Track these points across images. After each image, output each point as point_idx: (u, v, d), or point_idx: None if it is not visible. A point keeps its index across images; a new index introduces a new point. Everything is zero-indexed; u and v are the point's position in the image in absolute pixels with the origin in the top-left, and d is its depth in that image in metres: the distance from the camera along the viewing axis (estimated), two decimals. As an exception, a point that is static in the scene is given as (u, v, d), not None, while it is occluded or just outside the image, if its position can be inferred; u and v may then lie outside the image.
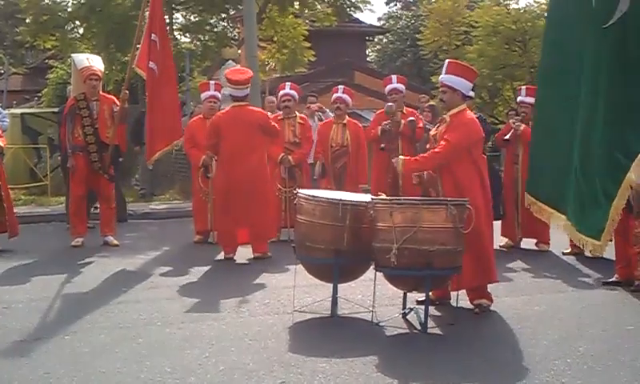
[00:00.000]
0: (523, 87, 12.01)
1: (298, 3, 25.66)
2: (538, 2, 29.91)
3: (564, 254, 10.87)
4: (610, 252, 8.83)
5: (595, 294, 8.54)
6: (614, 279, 8.87)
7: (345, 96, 12.26)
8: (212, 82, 12.45)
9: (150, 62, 10.57)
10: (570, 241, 10.81)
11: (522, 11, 29.77)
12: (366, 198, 7.34)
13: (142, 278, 9.25)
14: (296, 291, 7.58)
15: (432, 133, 7.88)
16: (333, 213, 7.04)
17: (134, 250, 11.24)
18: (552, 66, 8.31)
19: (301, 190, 7.74)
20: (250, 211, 9.97)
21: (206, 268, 9.90)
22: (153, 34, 10.59)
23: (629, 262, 8.68)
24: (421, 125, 11.58)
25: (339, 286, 7.33)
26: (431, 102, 14.89)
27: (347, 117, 12.35)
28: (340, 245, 7.02)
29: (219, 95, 12.05)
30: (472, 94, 9.23)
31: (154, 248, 11.43)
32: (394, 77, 12.17)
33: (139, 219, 14.81)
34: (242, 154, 9.92)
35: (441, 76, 7.77)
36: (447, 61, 7.90)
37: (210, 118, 11.26)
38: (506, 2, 30.12)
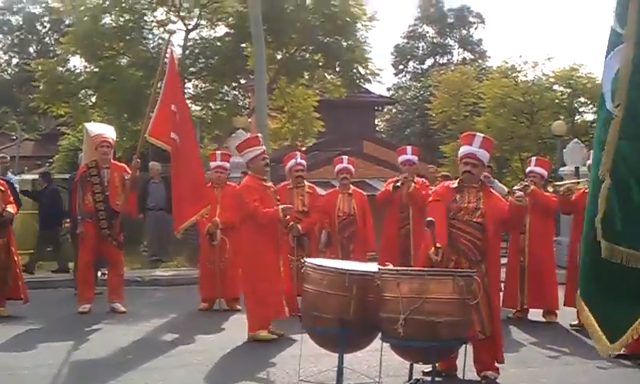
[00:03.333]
0: (533, 158, 12.07)
1: (307, 75, 25.97)
2: (547, 75, 30.18)
3: (572, 326, 10.80)
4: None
5: (603, 368, 8.46)
6: (622, 352, 8.77)
7: (349, 166, 12.33)
8: (218, 152, 12.55)
9: (172, 133, 10.64)
10: (577, 312, 10.77)
11: (529, 84, 29.99)
12: (373, 267, 7.33)
13: (148, 346, 9.23)
14: (302, 361, 7.54)
15: (463, 202, 7.79)
16: (340, 282, 7.03)
17: (140, 316, 11.22)
18: None
19: (308, 259, 7.75)
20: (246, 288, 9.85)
21: (212, 336, 9.88)
22: (173, 105, 10.69)
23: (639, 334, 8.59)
24: (429, 192, 11.61)
25: (345, 355, 7.28)
26: (443, 173, 14.93)
27: (352, 186, 12.40)
28: (346, 314, 6.99)
29: (227, 165, 12.17)
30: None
31: (161, 315, 11.41)
32: (408, 148, 12.24)
33: (146, 286, 14.79)
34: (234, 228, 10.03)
35: (474, 149, 7.78)
36: (481, 135, 7.97)
37: (217, 186, 11.46)
38: (514, 75, 30.34)
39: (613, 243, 4.84)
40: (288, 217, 10.08)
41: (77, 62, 24.59)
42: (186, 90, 25.38)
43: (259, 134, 10.67)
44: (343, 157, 12.63)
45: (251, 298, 9.45)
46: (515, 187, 11.05)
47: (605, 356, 5.77)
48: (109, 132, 11.99)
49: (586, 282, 5.09)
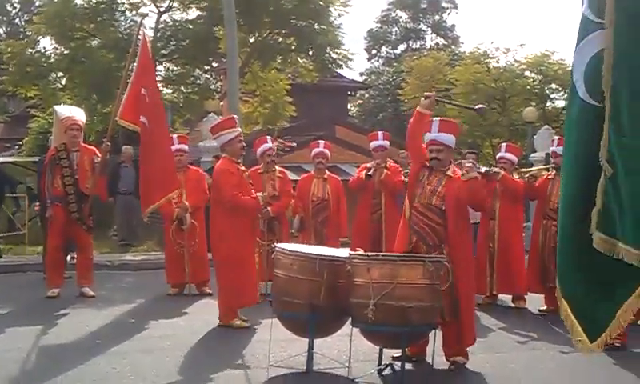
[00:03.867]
0: (504, 144, 12.10)
1: (280, 59, 25.90)
2: (518, 62, 30.27)
3: (540, 311, 10.90)
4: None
5: (570, 352, 8.53)
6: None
7: (326, 151, 12.33)
8: (175, 135, 12.47)
9: (141, 116, 10.56)
10: (546, 298, 10.88)
11: (501, 70, 30.08)
12: (344, 253, 7.33)
13: (116, 330, 9.19)
14: (272, 346, 7.54)
15: (426, 184, 7.79)
16: (310, 267, 7.05)
17: (109, 301, 11.17)
18: None
19: (279, 245, 7.75)
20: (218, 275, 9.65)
21: (181, 321, 9.86)
22: (143, 88, 10.61)
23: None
24: (401, 178, 11.63)
25: (315, 340, 7.31)
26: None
27: (327, 171, 12.41)
28: (317, 299, 7.01)
29: (186, 147, 12.12)
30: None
31: (130, 300, 11.38)
32: (380, 133, 12.20)
33: (116, 270, 14.73)
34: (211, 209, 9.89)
35: (433, 134, 7.76)
36: (438, 119, 7.94)
37: (179, 170, 11.40)
38: (486, 61, 30.42)
39: (609, 236, 4.72)
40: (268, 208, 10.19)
41: (47, 44, 24.42)
42: (157, 73, 25.20)
43: (235, 116, 10.59)
44: (320, 141, 12.64)
45: (225, 287, 9.29)
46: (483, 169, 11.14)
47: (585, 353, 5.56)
48: (78, 115, 11.89)
49: (565, 275, 4.96)
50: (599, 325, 4.72)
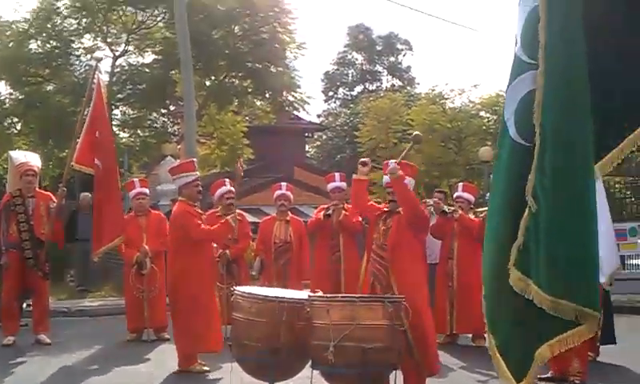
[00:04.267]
0: (460, 183, 12.20)
1: (237, 101, 25.97)
2: (473, 102, 30.66)
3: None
4: (544, 348, 8.89)
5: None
6: (548, 375, 8.88)
7: (288, 193, 12.30)
8: (136, 179, 12.44)
9: (96, 159, 10.54)
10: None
11: (457, 111, 30.42)
12: (303, 294, 7.31)
13: (73, 378, 9.03)
14: (232, 390, 7.47)
15: (381, 226, 7.85)
16: (269, 310, 6.99)
17: (66, 348, 11.00)
18: None
19: (238, 287, 7.70)
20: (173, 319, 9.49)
21: (140, 366, 9.73)
22: (97, 132, 10.58)
23: (563, 357, 8.67)
24: (359, 219, 11.65)
25: (275, 384, 7.25)
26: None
27: (290, 213, 12.38)
28: (276, 342, 6.95)
29: (146, 191, 12.07)
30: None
31: (88, 346, 11.20)
32: (337, 175, 12.17)
33: (73, 316, 14.53)
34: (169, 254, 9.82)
35: (387, 177, 7.82)
36: (393, 161, 7.98)
37: (140, 214, 11.34)
38: (441, 102, 30.73)
39: (525, 275, 4.75)
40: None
41: (1, 89, 24.24)
42: (113, 117, 25.16)
43: (194, 160, 10.57)
44: (282, 183, 12.59)
45: (185, 332, 9.16)
46: (440, 209, 11.18)
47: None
48: (34, 160, 11.78)
49: (491, 312, 4.93)
50: (524, 365, 4.65)
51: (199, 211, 9.56)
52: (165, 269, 11.16)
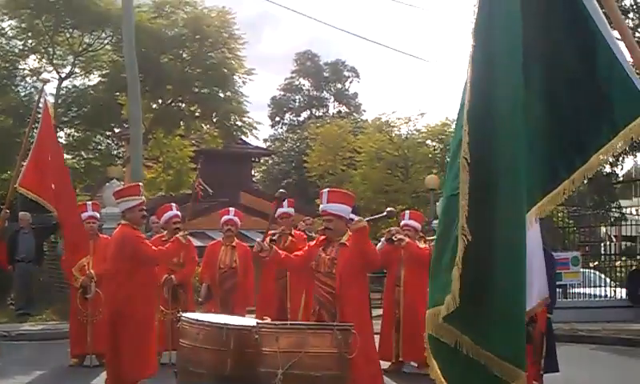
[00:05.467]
0: (407, 211, 12.26)
1: (184, 125, 25.87)
2: (419, 131, 30.94)
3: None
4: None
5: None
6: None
7: (236, 218, 12.23)
8: (89, 202, 12.27)
9: (52, 184, 10.40)
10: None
11: (403, 139, 30.67)
12: (251, 321, 7.26)
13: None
14: (177, 418, 7.36)
15: (322, 255, 7.93)
16: (216, 337, 6.93)
17: (6, 373, 10.78)
18: None
19: (184, 314, 7.62)
20: (112, 345, 9.18)
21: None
22: (49, 155, 10.45)
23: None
24: (305, 246, 11.64)
25: (222, 412, 7.17)
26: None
27: (236, 239, 12.31)
28: (224, 370, 6.89)
29: (97, 215, 11.92)
30: (354, 217, 9.22)
31: (28, 372, 11.02)
32: (284, 202, 12.18)
33: (13, 341, 14.23)
34: (107, 278, 9.66)
35: (323, 205, 7.92)
36: (326, 190, 8.16)
37: (90, 238, 11.13)
38: (388, 130, 30.98)
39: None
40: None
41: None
42: (58, 139, 24.84)
43: (140, 184, 10.47)
44: (230, 208, 12.52)
45: (131, 357, 9.00)
46: (389, 237, 11.24)
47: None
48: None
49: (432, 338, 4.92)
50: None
51: (142, 235, 9.47)
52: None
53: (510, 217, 4.35)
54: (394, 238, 11.15)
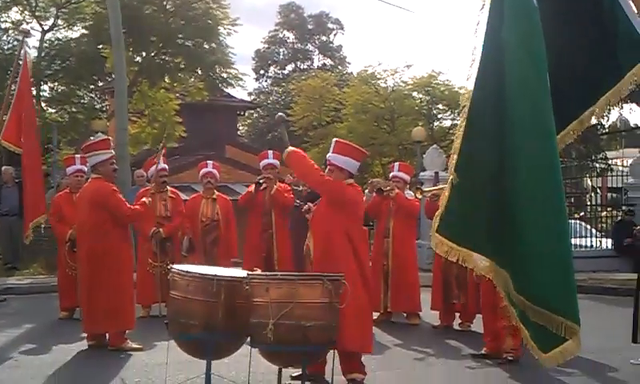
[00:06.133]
0: (396, 163, 12.27)
1: (168, 78, 25.68)
2: (406, 83, 30.82)
3: (434, 327, 11.06)
4: (478, 325, 9.05)
5: (464, 367, 8.67)
6: (482, 352, 9.02)
7: (214, 171, 12.24)
8: (77, 155, 12.17)
9: (22, 137, 10.35)
10: (440, 314, 11.07)
11: (389, 91, 30.57)
12: (242, 273, 7.27)
13: (4, 358, 8.84)
14: (168, 368, 7.40)
15: (313, 208, 7.91)
16: (207, 288, 6.92)
17: (-4, 327, 10.78)
18: None
19: (174, 266, 7.62)
20: (89, 298, 9.21)
21: (73, 346, 9.55)
22: (24, 111, 10.39)
23: (497, 335, 8.84)
24: (292, 195, 11.66)
25: (213, 362, 7.19)
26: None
27: (216, 191, 12.30)
28: (214, 321, 6.89)
29: (85, 169, 11.84)
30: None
31: (17, 325, 10.98)
32: (270, 152, 12.16)
33: (1, 295, 14.19)
34: (81, 232, 9.54)
35: (329, 154, 7.83)
36: (335, 140, 8.02)
37: (76, 192, 11.04)
38: (374, 82, 30.85)
39: (449, 240, 4.98)
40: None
41: None
42: (41, 93, 24.69)
43: (109, 138, 10.45)
44: (208, 161, 12.51)
45: (113, 307, 9.04)
46: (378, 188, 11.25)
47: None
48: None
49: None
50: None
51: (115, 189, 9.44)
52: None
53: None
54: (382, 188, 11.17)
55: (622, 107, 25.97)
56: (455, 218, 5.10)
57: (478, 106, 4.94)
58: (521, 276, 4.85)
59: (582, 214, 24.02)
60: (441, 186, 12.42)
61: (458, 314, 11.07)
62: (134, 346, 9.15)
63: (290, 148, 7.74)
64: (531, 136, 4.68)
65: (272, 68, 57.11)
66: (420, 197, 11.46)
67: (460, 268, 10.42)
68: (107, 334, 9.25)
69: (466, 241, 5.09)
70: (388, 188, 11.08)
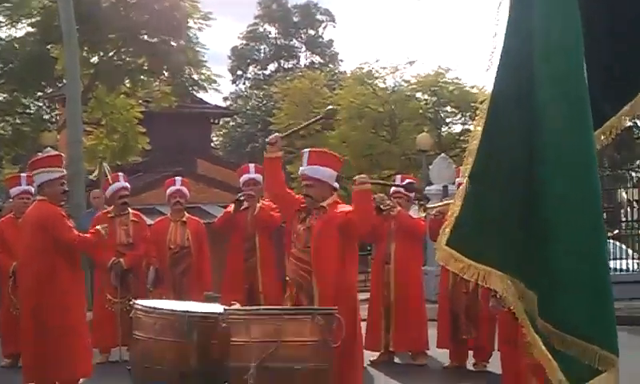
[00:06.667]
0: (398, 175, 12.27)
1: (129, 82, 25.66)
2: (408, 82, 30.88)
3: (445, 368, 11.05)
4: (495, 364, 9.06)
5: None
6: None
7: (183, 189, 12.19)
8: (23, 174, 12.14)
9: None
10: (452, 352, 11.06)
11: (389, 92, 30.63)
12: (218, 308, 7.27)
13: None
14: (133, 423, 7.39)
15: (298, 227, 7.87)
16: (177, 327, 6.93)
17: None
18: None
19: (138, 301, 7.61)
20: (34, 342, 9.10)
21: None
22: None
23: (518, 375, 8.82)
24: (278, 214, 11.61)
25: (186, 414, 7.19)
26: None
27: (186, 213, 12.28)
28: (186, 366, 6.90)
29: (32, 190, 11.82)
30: (336, 185, 9.17)
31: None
32: (251, 166, 12.04)
33: None
34: (24, 263, 9.47)
35: (302, 168, 7.82)
36: (307, 150, 8.02)
37: (20, 217, 11.00)
38: (371, 82, 30.89)
39: (464, 255, 5.00)
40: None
41: None
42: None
43: (62, 154, 10.43)
44: (176, 178, 12.47)
45: (64, 352, 8.98)
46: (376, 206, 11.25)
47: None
48: None
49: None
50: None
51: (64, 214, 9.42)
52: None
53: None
54: (382, 206, 11.14)
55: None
56: (470, 230, 5.08)
57: (499, 100, 4.97)
58: (548, 298, 4.85)
59: (615, 231, 24.03)
60: (447, 202, 12.44)
61: (471, 352, 11.05)
62: None
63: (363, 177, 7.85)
64: (566, 135, 4.72)
65: (251, 68, 57.34)
66: (423, 215, 11.42)
67: (470, 297, 10.51)
68: None
69: (485, 256, 5.07)
70: (388, 206, 11.07)
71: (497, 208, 4.98)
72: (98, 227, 9.66)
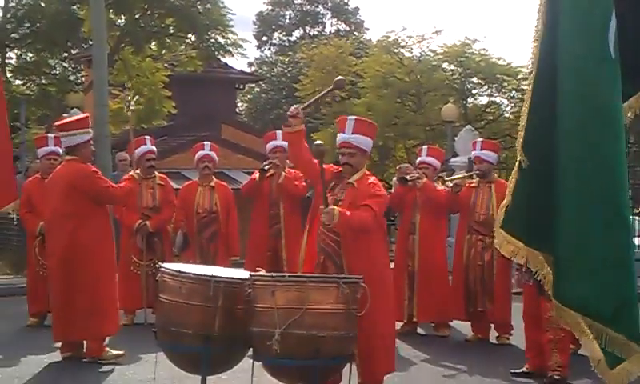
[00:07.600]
0: (424, 146, 12.21)
1: (155, 44, 25.64)
2: (434, 52, 30.71)
3: (467, 341, 11.07)
4: (519, 339, 9.06)
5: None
6: (524, 369, 9.03)
7: (213, 154, 12.20)
8: (50, 135, 12.18)
9: None
10: (473, 325, 11.08)
11: (415, 61, 30.48)
12: (243, 273, 7.30)
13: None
14: (157, 385, 7.47)
15: (329, 197, 7.81)
16: (203, 291, 6.95)
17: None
18: None
19: (164, 264, 7.64)
20: (63, 299, 9.22)
21: (45, 357, 9.62)
22: None
23: (541, 350, 8.84)
24: (303, 183, 11.61)
25: (209, 378, 7.24)
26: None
27: (215, 178, 12.30)
28: (211, 329, 6.92)
29: (60, 151, 11.87)
30: None
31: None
32: (278, 133, 11.91)
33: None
34: (53, 223, 9.51)
35: (346, 135, 7.70)
36: (352, 117, 7.89)
37: (47, 177, 11.07)
38: (397, 51, 30.75)
39: (515, 237, 4.97)
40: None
41: None
42: (7, 62, 24.74)
43: (87, 115, 10.49)
44: (205, 143, 12.47)
45: (92, 310, 9.06)
46: (401, 176, 11.25)
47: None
48: None
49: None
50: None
51: None
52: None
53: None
54: (407, 177, 11.15)
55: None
56: (522, 211, 5.04)
57: (542, 75, 4.99)
58: (564, 281, 4.86)
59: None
60: (464, 174, 12.42)
61: (493, 326, 11.06)
62: (116, 352, 9.21)
63: (336, 210, 7.35)
64: (590, 115, 4.75)
65: (277, 34, 57.16)
66: (441, 186, 11.36)
67: (486, 270, 10.58)
68: (84, 343, 9.31)
69: (533, 238, 5.00)
70: (414, 176, 11.06)
71: (542, 183, 4.95)
72: (131, 172, 9.70)
